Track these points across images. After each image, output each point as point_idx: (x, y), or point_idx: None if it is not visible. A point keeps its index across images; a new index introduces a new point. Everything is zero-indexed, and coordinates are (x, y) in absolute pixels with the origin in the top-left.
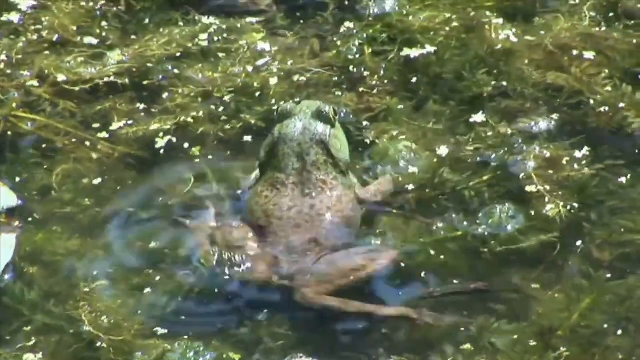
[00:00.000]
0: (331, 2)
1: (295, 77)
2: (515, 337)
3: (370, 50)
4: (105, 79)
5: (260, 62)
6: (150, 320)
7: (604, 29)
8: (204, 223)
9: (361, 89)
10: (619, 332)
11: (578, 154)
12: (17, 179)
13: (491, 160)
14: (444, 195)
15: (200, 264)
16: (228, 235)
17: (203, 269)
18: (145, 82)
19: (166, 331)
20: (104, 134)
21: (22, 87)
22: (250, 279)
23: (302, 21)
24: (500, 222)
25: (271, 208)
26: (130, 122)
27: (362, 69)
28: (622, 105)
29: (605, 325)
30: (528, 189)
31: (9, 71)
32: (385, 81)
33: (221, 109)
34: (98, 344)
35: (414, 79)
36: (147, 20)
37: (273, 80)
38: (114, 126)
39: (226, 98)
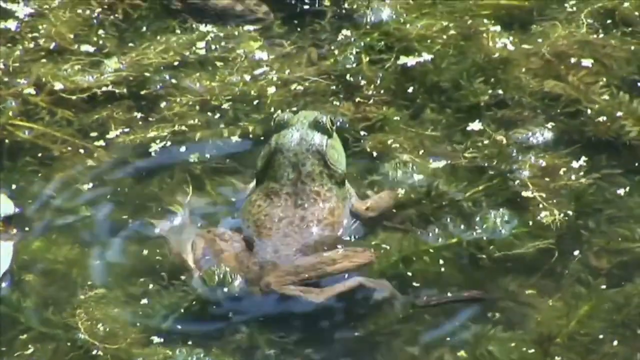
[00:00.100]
0: (328, 10)
1: (293, 86)
2: (513, 344)
3: (367, 58)
4: (103, 88)
5: (257, 71)
6: (146, 328)
7: (601, 36)
8: (176, 227)
9: (358, 98)
10: (617, 339)
11: (575, 163)
12: (14, 187)
13: (488, 169)
14: (442, 208)
15: (203, 282)
16: (211, 243)
17: (204, 286)
18: (142, 91)
19: (162, 340)
20: (101, 142)
21: (19, 96)
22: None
23: (299, 29)
24: (495, 228)
25: (262, 218)
26: (127, 130)
27: (359, 78)
28: (619, 113)
29: (603, 333)
30: (524, 196)
31: (6, 79)
32: (382, 90)
33: (219, 116)
34: (94, 352)
35: (411, 88)
36: (144, 29)
37: (270, 89)
38: (111, 134)
39: (224, 106)
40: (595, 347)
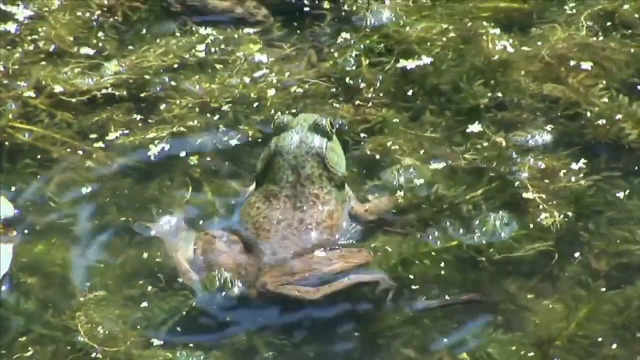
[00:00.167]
0: (328, 12)
1: (292, 88)
2: (512, 347)
3: (367, 61)
4: (103, 90)
5: (257, 73)
6: (146, 331)
7: (601, 38)
8: (169, 231)
9: (357, 101)
10: (616, 342)
11: (575, 165)
12: (14, 189)
13: (487, 171)
14: (442, 212)
15: (204, 287)
16: (208, 245)
17: (205, 291)
18: (142, 94)
19: (162, 342)
20: (101, 144)
21: (19, 98)
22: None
23: (299, 32)
24: (494, 230)
25: (261, 220)
26: (127, 133)
27: (359, 80)
28: (619, 116)
29: (603, 336)
30: (524, 198)
31: (5, 82)
32: (382, 93)
33: (218, 118)
34: (94, 355)
35: (411, 90)
36: (144, 31)
37: (270, 91)
38: (111, 136)
39: (223, 109)
40: (595, 349)
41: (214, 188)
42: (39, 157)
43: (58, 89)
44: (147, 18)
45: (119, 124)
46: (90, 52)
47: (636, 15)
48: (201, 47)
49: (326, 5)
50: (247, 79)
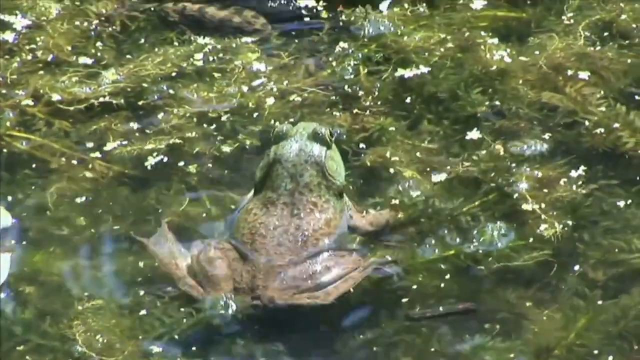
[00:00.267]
0: (326, 22)
1: (291, 97)
2: (510, 356)
3: (365, 70)
4: (100, 99)
5: (255, 82)
6: (144, 340)
7: (598, 48)
8: (163, 241)
9: (355, 109)
10: (614, 351)
11: (572, 174)
12: (11, 199)
13: (485, 181)
14: (440, 222)
15: (210, 307)
16: (205, 253)
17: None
18: (140, 102)
19: (160, 349)
20: (98, 154)
21: (17, 107)
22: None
23: (297, 41)
24: (492, 241)
25: (257, 226)
26: (125, 142)
27: (357, 89)
28: (616, 125)
29: (600, 345)
30: (521, 208)
31: (3, 91)
32: (380, 102)
33: (216, 127)
34: None
35: (409, 99)
36: (142, 40)
37: (268, 100)
38: (109, 146)
39: (222, 118)
40: (592, 359)
41: (211, 197)
42: (36, 166)
43: (56, 97)
44: (145, 27)
45: (117, 134)
46: (89, 61)
47: (634, 26)
48: (199, 56)
49: (324, 14)
50: (245, 88)
